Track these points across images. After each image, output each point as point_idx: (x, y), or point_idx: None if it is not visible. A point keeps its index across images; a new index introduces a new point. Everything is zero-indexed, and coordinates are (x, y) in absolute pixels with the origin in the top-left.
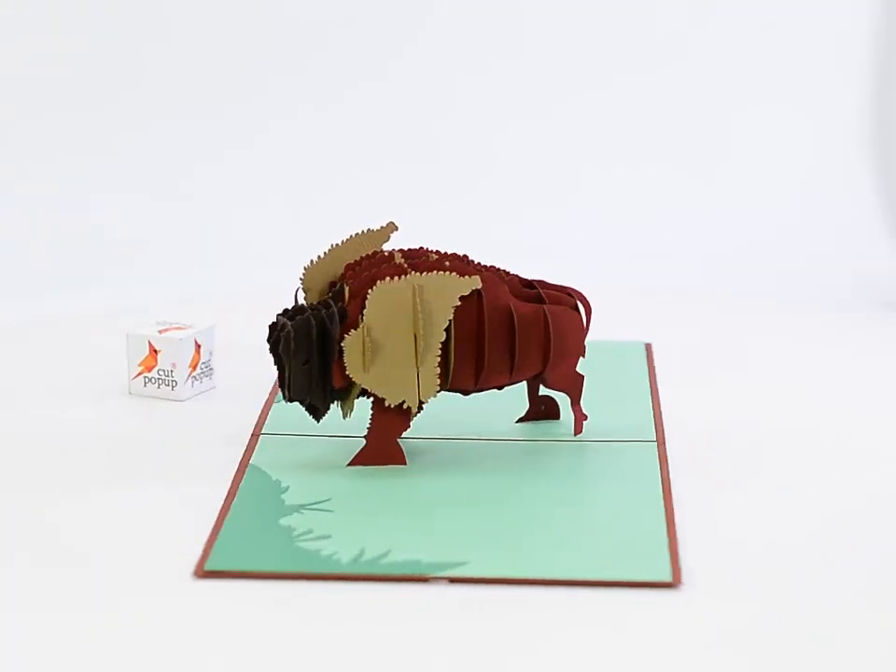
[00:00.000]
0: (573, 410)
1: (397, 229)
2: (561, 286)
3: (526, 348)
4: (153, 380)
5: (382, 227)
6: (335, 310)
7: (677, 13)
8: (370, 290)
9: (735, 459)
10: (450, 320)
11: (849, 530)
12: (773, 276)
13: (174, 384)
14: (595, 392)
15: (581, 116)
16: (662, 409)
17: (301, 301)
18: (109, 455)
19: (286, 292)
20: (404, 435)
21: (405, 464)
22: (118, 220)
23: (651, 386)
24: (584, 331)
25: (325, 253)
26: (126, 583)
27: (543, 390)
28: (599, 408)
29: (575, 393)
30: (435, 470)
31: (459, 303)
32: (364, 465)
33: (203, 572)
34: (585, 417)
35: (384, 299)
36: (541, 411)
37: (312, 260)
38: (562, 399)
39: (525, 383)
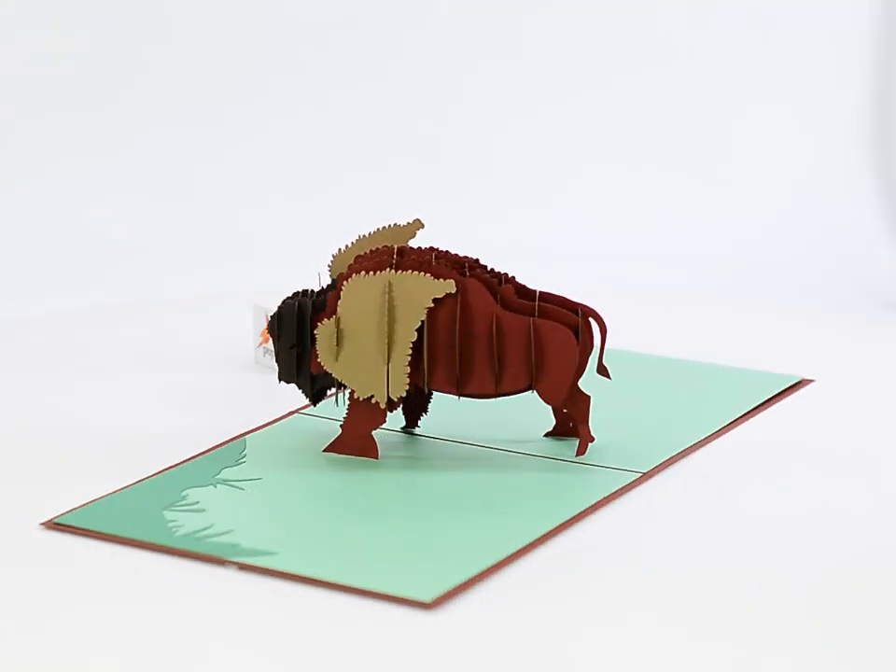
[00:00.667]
0: (580, 430)
1: (423, 226)
2: (572, 302)
3: (506, 359)
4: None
5: (408, 223)
6: (313, 297)
7: (676, 13)
8: (345, 282)
9: (735, 459)
10: (423, 321)
11: (850, 529)
12: (772, 276)
13: None
14: (664, 416)
15: (581, 116)
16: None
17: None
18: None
19: (287, 292)
20: (417, 431)
21: (377, 458)
22: (118, 220)
23: (736, 417)
24: (575, 349)
25: (352, 243)
26: None
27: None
28: (641, 431)
29: (578, 413)
30: (390, 466)
31: (432, 305)
32: (337, 453)
33: (52, 524)
34: (592, 439)
35: (356, 291)
36: (569, 427)
37: (339, 249)
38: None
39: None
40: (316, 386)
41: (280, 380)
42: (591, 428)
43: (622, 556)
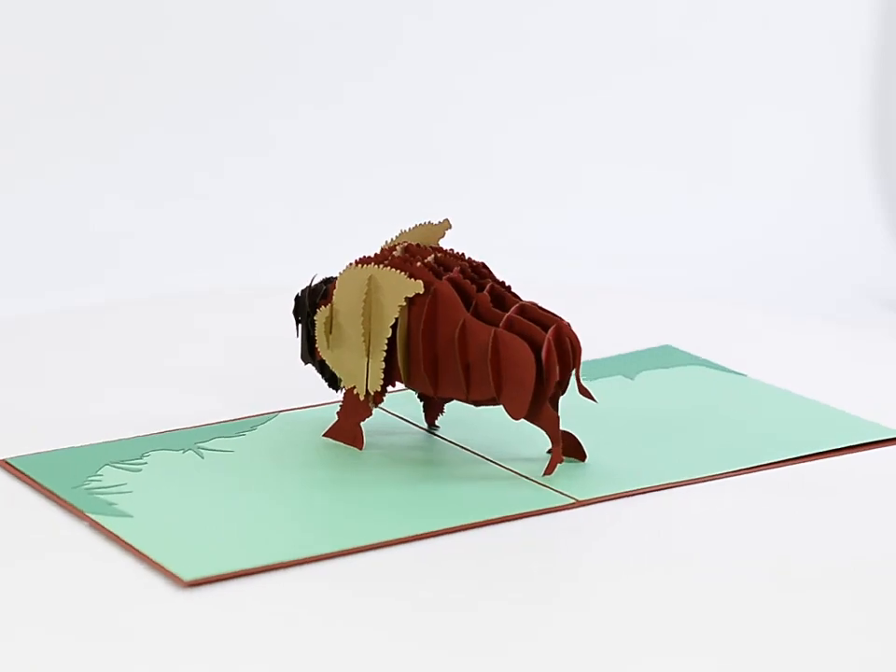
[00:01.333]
0: (553, 449)
1: (451, 227)
2: (552, 318)
3: (472, 366)
4: None
5: (440, 222)
6: (320, 284)
7: (675, 12)
8: (339, 273)
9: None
10: (396, 319)
11: (849, 529)
12: (772, 276)
13: None
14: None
15: (581, 116)
16: None
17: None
18: None
19: (287, 292)
20: (439, 433)
21: (361, 448)
22: (118, 220)
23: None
24: (533, 366)
25: (394, 238)
26: None
27: (563, 425)
28: (630, 454)
29: (549, 432)
30: (367, 460)
31: (404, 304)
32: (332, 439)
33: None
34: (561, 460)
35: (347, 283)
36: (569, 448)
37: (386, 241)
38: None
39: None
40: (328, 372)
41: (303, 361)
42: (599, 444)
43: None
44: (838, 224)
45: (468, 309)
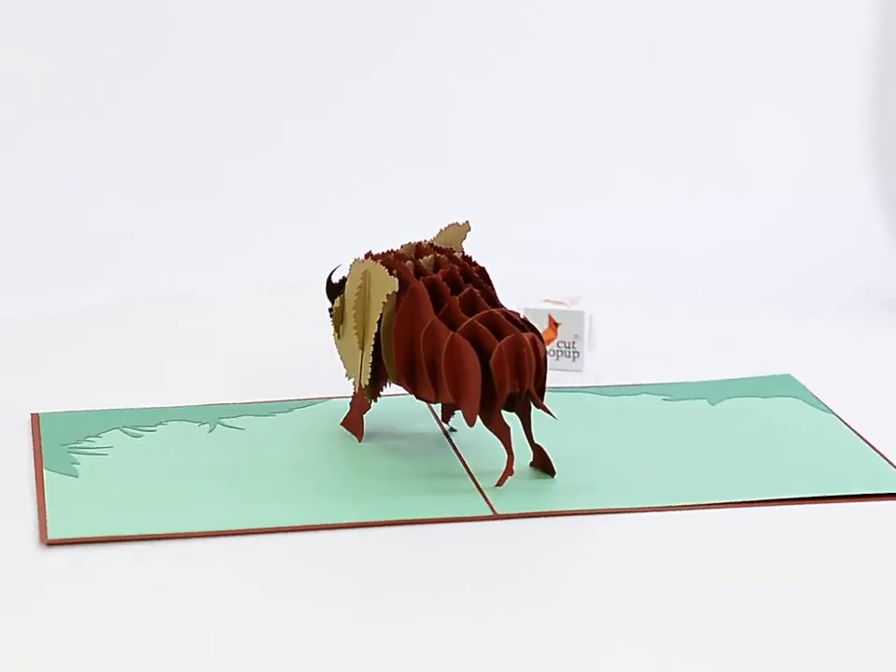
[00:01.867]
0: (506, 460)
1: (470, 229)
2: (514, 327)
3: (436, 370)
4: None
5: (462, 223)
6: (341, 276)
7: (676, 13)
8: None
9: None
10: (381, 314)
11: (850, 529)
12: (773, 276)
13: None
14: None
15: (581, 117)
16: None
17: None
18: None
19: (287, 292)
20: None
21: (361, 440)
22: (118, 221)
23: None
24: (479, 375)
25: (433, 237)
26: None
27: (537, 439)
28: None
29: (502, 441)
30: (323, 442)
31: (386, 300)
32: (345, 429)
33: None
34: (512, 473)
35: (353, 276)
36: (537, 462)
37: (424, 240)
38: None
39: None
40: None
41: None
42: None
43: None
44: (838, 224)
45: (437, 311)
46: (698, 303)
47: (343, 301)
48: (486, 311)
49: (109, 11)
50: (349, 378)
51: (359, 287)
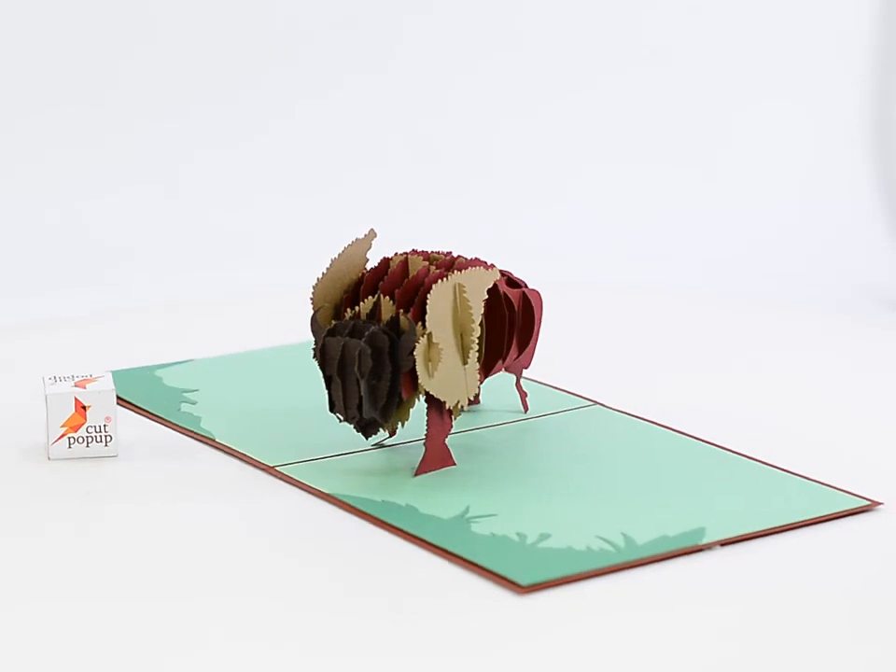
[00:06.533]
0: (518, 388)
1: (376, 236)
2: (478, 260)
3: (520, 332)
4: (81, 439)
5: (365, 235)
6: (409, 320)
7: (675, 10)
8: (427, 296)
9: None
10: (482, 314)
11: (850, 530)
12: (773, 276)
13: (108, 438)
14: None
15: (581, 115)
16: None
17: (319, 321)
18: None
19: (287, 291)
20: (390, 441)
21: (455, 464)
22: (116, 220)
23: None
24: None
25: (327, 269)
26: (453, 605)
27: None
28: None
29: (520, 371)
30: (481, 464)
31: (487, 296)
32: (430, 471)
33: (527, 587)
34: (526, 394)
35: (441, 302)
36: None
37: (317, 279)
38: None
39: None
40: (391, 416)
41: (358, 419)
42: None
43: None
44: (838, 224)
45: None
46: (696, 303)
47: (429, 339)
48: (483, 263)
49: (98, 9)
50: (449, 408)
51: (460, 301)
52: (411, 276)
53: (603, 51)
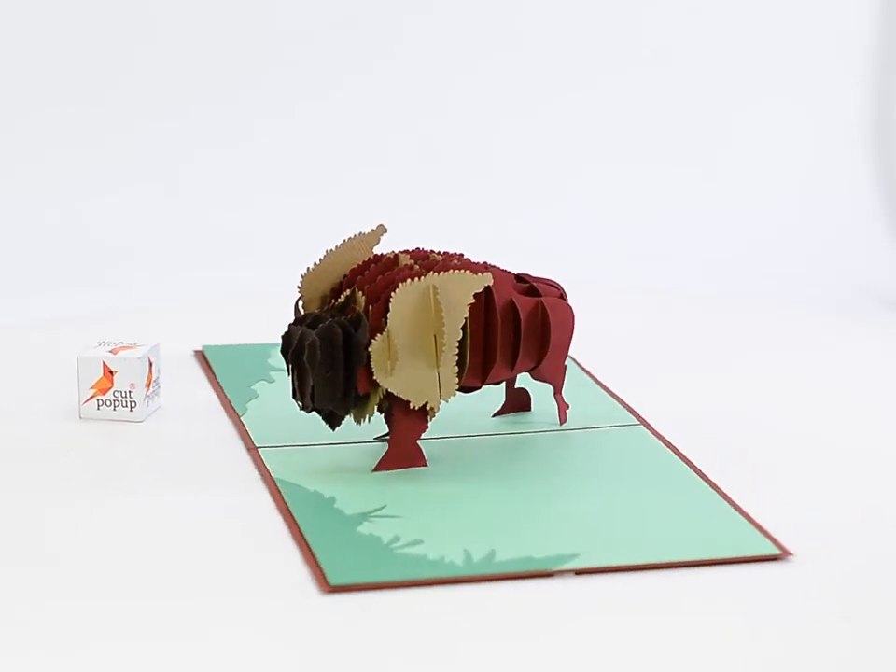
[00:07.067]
0: (556, 399)
1: (386, 231)
2: (545, 279)
3: (528, 341)
4: (108, 402)
5: (372, 230)
6: (362, 315)
7: (675, 10)
8: (392, 293)
9: (735, 458)
10: (465, 318)
11: (849, 530)
12: (773, 276)
13: (132, 404)
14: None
15: (579, 114)
16: (659, 408)
17: (301, 310)
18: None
19: (286, 291)
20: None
21: (426, 465)
22: (116, 220)
23: (595, 382)
24: (574, 322)
25: (320, 260)
26: (257, 606)
27: (518, 382)
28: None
29: (560, 383)
30: (459, 470)
31: (474, 301)
32: (389, 469)
33: (331, 587)
34: (568, 406)
35: (406, 301)
36: (517, 404)
37: (308, 268)
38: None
39: None
40: (350, 408)
41: (311, 408)
42: None
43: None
44: (838, 224)
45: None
46: (694, 303)
47: (389, 336)
48: (520, 273)
49: (97, 9)
50: (414, 407)
51: (434, 303)
52: (387, 273)
53: (603, 51)
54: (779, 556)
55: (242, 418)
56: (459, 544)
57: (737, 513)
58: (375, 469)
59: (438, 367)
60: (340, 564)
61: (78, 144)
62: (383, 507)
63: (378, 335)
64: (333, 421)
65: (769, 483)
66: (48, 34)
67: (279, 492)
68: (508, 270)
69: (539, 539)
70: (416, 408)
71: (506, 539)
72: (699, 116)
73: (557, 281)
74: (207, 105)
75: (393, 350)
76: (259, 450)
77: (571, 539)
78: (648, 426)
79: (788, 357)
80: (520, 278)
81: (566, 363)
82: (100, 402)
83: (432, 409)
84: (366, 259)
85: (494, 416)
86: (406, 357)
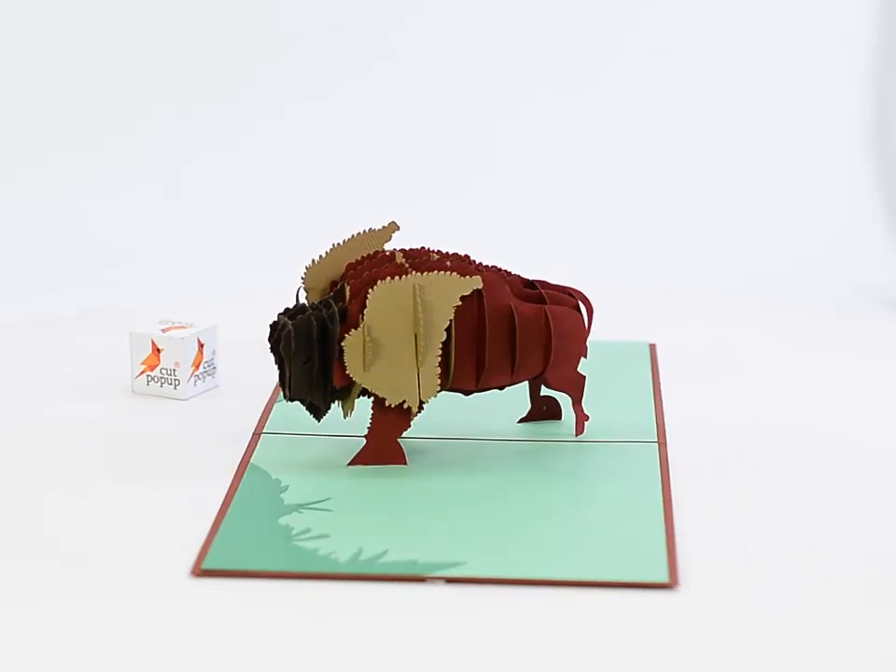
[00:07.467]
0: (575, 410)
1: (398, 228)
2: (563, 286)
3: (527, 348)
4: (156, 378)
5: (384, 226)
6: (335, 309)
7: (675, 10)
8: (370, 290)
9: (735, 460)
10: (451, 320)
11: (850, 531)
12: (773, 276)
13: (176, 382)
14: (597, 392)
15: (579, 113)
16: (664, 409)
17: (303, 300)
18: (110, 453)
19: (286, 291)
20: (406, 434)
21: (405, 463)
22: (116, 220)
23: (653, 387)
24: (586, 332)
25: (326, 252)
26: (124, 582)
27: (545, 390)
28: (601, 408)
29: (576, 393)
30: (435, 470)
31: (460, 303)
32: (364, 464)
33: (201, 571)
34: (587, 418)
35: (384, 298)
36: (543, 411)
37: (314, 260)
38: (564, 400)
39: (526, 383)
40: (329, 401)
41: (291, 399)
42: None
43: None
44: (838, 224)
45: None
46: (694, 303)
47: (365, 332)
48: (535, 280)
49: (96, 8)
50: (390, 405)
51: (414, 302)
52: (374, 270)
53: (603, 51)
54: (665, 585)
55: (276, 403)
56: (359, 542)
57: (663, 539)
58: (350, 464)
59: (418, 367)
60: (225, 550)
61: (78, 144)
62: (325, 500)
63: (353, 330)
64: (317, 412)
65: (755, 483)
66: (47, 34)
67: (239, 479)
68: (518, 275)
69: (435, 545)
70: (392, 406)
71: (403, 542)
72: (699, 116)
73: (578, 290)
74: (207, 104)
75: (368, 346)
76: (261, 436)
77: (467, 547)
78: (664, 445)
79: (787, 357)
80: (532, 284)
81: (582, 374)
82: (149, 378)
83: (409, 408)
84: (366, 255)
85: (519, 422)
86: (384, 354)
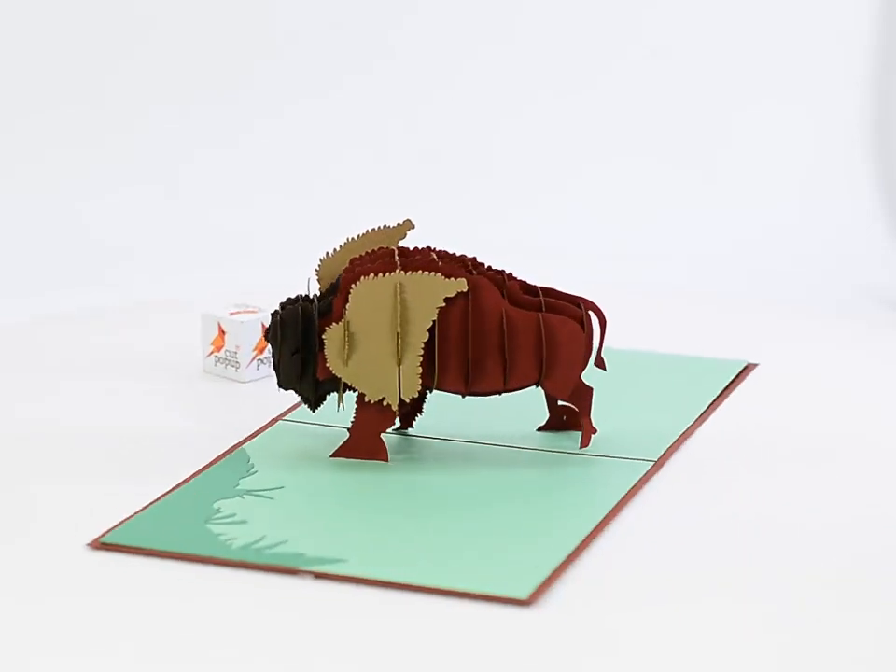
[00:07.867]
0: (581, 422)
1: (413, 227)
2: (572, 296)
3: (516, 355)
4: (221, 360)
5: (399, 224)
6: (317, 302)
7: (675, 10)
8: (353, 285)
9: (733, 463)
10: (434, 321)
11: (850, 531)
12: (772, 276)
13: (237, 365)
14: (632, 405)
15: (579, 113)
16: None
17: (315, 291)
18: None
19: (287, 291)
20: (411, 432)
21: (387, 460)
22: (116, 220)
23: (709, 405)
24: (583, 342)
25: (340, 246)
26: (22, 555)
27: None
28: (630, 421)
29: (581, 405)
30: (411, 470)
31: (444, 304)
32: (345, 458)
33: (99, 544)
34: (594, 431)
35: (365, 294)
36: (562, 421)
37: (327, 252)
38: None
39: (543, 392)
40: (320, 392)
41: (280, 387)
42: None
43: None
44: (838, 224)
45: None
46: (694, 303)
47: (346, 326)
48: (544, 288)
49: (96, 8)
50: (370, 401)
51: (396, 300)
52: (366, 265)
53: (603, 51)
54: (522, 602)
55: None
56: (266, 530)
57: (559, 559)
58: (332, 456)
59: (399, 364)
60: (137, 526)
61: (78, 144)
62: (277, 488)
63: (334, 324)
64: (308, 403)
65: (746, 488)
66: (47, 34)
67: (218, 460)
68: (522, 280)
69: (333, 540)
70: (372, 401)
71: (306, 534)
72: (699, 116)
73: (590, 301)
74: (207, 104)
75: (349, 340)
76: (276, 422)
77: (358, 546)
78: (660, 464)
79: (787, 357)
80: (533, 291)
81: (588, 385)
82: (217, 359)
83: (389, 405)
84: (371, 251)
85: (538, 430)
86: (364, 349)
